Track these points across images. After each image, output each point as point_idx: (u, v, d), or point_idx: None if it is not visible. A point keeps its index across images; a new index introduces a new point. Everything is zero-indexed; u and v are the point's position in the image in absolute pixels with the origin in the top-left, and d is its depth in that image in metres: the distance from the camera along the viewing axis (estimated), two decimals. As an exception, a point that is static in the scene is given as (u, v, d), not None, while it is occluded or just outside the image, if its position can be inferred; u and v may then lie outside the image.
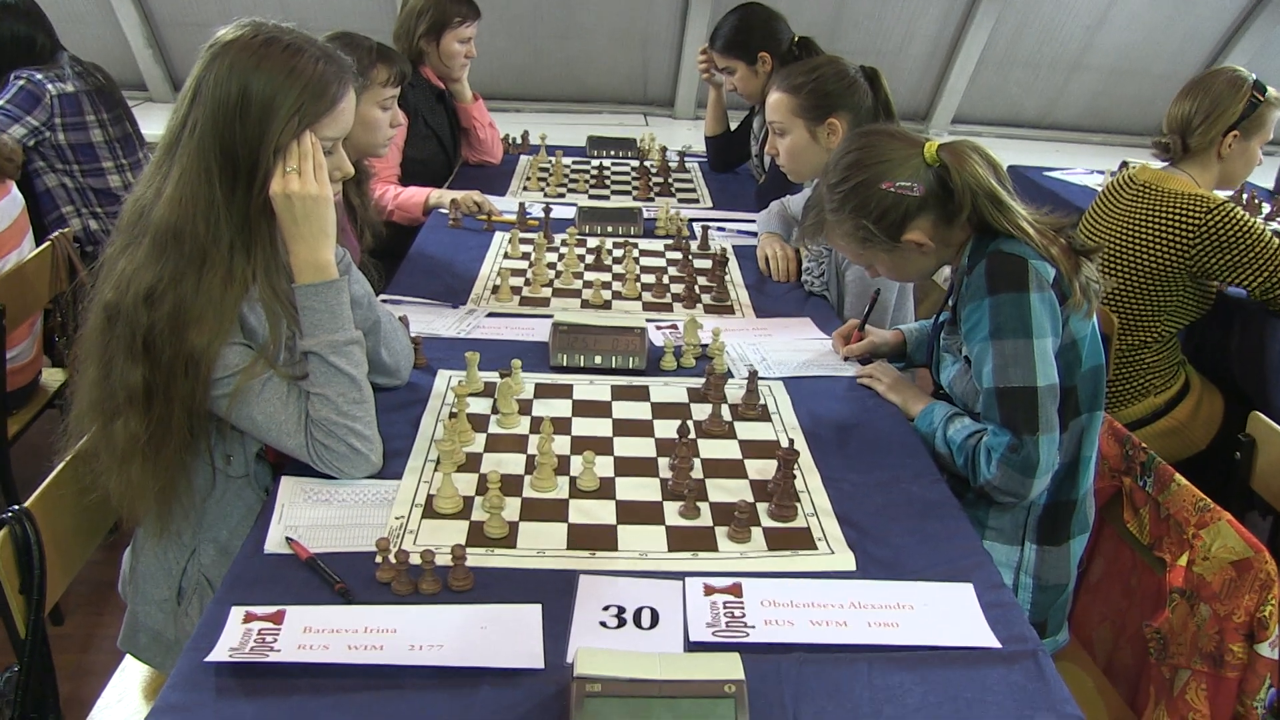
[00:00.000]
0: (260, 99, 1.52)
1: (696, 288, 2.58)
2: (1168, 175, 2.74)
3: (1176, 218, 2.64)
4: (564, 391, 2.01)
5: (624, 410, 1.95)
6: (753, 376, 1.97)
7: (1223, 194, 2.85)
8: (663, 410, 1.96)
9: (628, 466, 1.74)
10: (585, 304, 2.49)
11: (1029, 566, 1.79)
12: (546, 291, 2.56)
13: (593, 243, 2.89)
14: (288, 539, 1.48)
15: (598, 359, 2.10)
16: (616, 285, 2.61)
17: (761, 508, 1.63)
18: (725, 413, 1.94)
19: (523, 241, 2.87)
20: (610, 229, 3.01)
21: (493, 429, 1.85)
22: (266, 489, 1.72)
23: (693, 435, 1.84)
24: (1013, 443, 1.68)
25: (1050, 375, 1.68)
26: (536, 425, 1.85)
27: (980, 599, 1.42)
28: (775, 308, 2.54)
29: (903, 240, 1.80)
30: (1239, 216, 2.59)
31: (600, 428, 1.88)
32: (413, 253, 2.81)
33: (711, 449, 1.82)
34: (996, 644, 1.34)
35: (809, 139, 2.51)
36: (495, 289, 2.53)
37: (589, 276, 2.65)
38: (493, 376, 2.01)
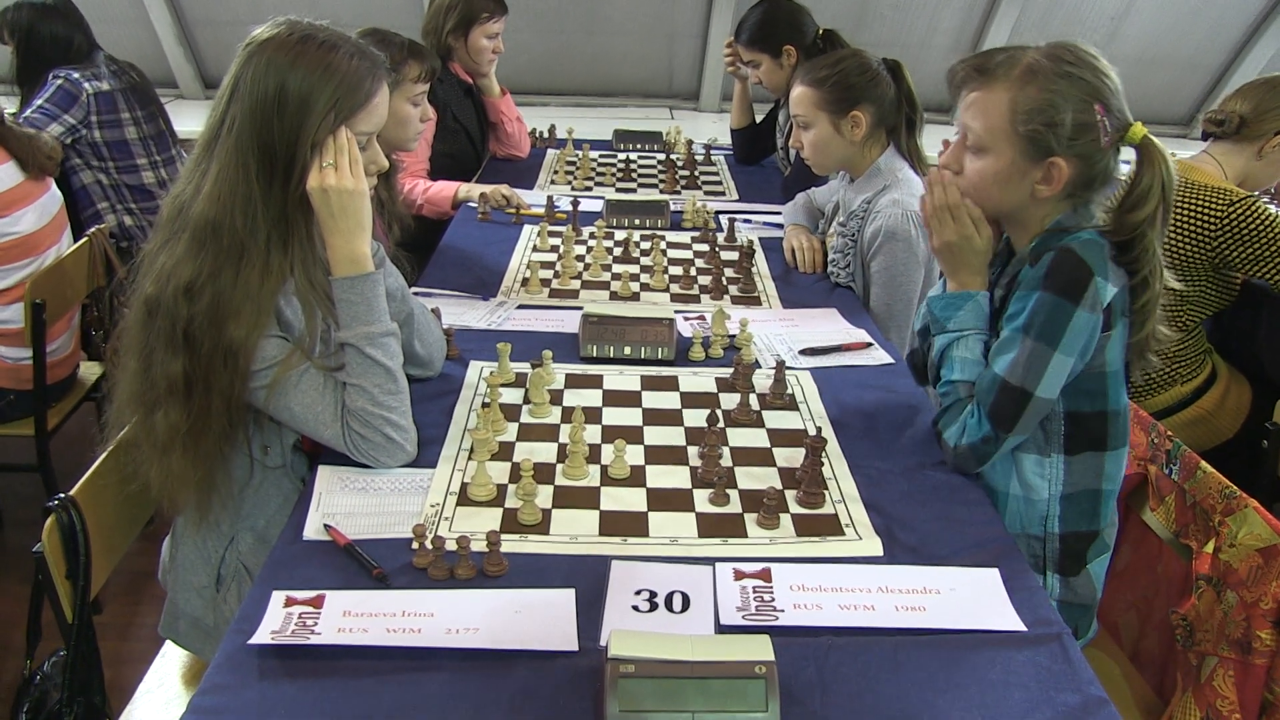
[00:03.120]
0: (297, 95, 1.54)
1: (724, 279, 2.59)
2: (1193, 166, 2.73)
3: (1200, 209, 2.63)
4: (594, 382, 2.02)
5: (654, 400, 1.96)
6: (780, 366, 1.97)
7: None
8: (692, 399, 1.97)
9: (658, 455, 1.75)
10: (614, 295, 2.50)
11: (1052, 592, 1.76)
12: (575, 284, 2.57)
13: (620, 235, 2.90)
14: (326, 525, 1.50)
15: (627, 349, 2.11)
16: (645, 277, 2.62)
17: (790, 495, 1.64)
18: (753, 402, 1.95)
19: (551, 234, 2.88)
20: (638, 221, 3.02)
21: (525, 418, 1.87)
22: (303, 479, 1.74)
23: (721, 424, 1.85)
24: (988, 435, 1.66)
25: (1051, 390, 1.63)
26: (568, 414, 1.86)
27: (1006, 583, 1.42)
28: (802, 298, 2.54)
29: (1053, 160, 1.63)
30: (1261, 210, 2.58)
31: (630, 417, 1.89)
32: (443, 246, 2.82)
33: (740, 437, 1.83)
34: (1022, 627, 1.34)
35: (833, 132, 2.52)
36: (525, 281, 2.55)
37: (617, 269, 2.66)
38: (524, 367, 2.03)
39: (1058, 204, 1.67)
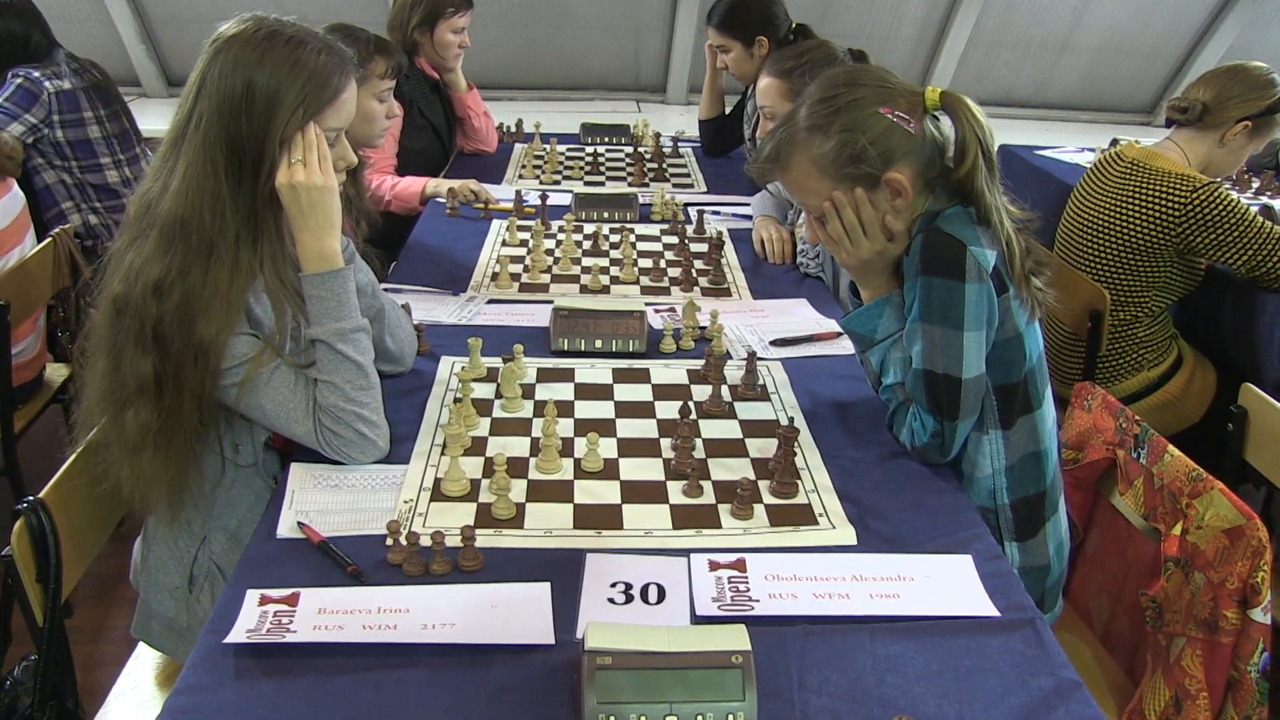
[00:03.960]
0: (265, 92, 1.53)
1: (694, 271, 2.59)
2: (1155, 153, 2.76)
3: (1163, 196, 2.66)
4: (566, 375, 2.03)
5: (625, 392, 1.97)
6: (751, 357, 1.98)
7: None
8: (664, 392, 1.97)
9: (631, 447, 1.76)
10: (584, 289, 2.50)
11: (1012, 562, 1.77)
12: (545, 277, 2.57)
13: (589, 229, 2.90)
14: (299, 523, 1.49)
15: (598, 343, 2.11)
16: (614, 270, 2.62)
17: (763, 485, 1.65)
18: (725, 393, 1.96)
19: (520, 229, 2.88)
20: (606, 215, 3.02)
21: (497, 413, 1.87)
22: (275, 477, 1.74)
23: (694, 416, 1.86)
24: (935, 429, 1.67)
25: (977, 367, 1.64)
26: (540, 408, 1.86)
27: (979, 570, 1.44)
28: (772, 289, 2.55)
29: (888, 178, 1.65)
30: (1224, 197, 2.61)
31: (603, 410, 1.89)
32: (411, 242, 2.81)
33: (713, 429, 1.84)
34: (995, 613, 1.35)
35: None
36: (495, 276, 2.54)
37: (587, 262, 2.66)
38: (495, 362, 2.03)
39: (920, 199, 1.70)
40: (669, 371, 2.07)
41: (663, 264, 2.64)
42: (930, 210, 1.69)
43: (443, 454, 1.69)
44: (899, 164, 1.64)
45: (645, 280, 2.57)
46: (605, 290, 2.50)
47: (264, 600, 1.33)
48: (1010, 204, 1.70)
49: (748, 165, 2.40)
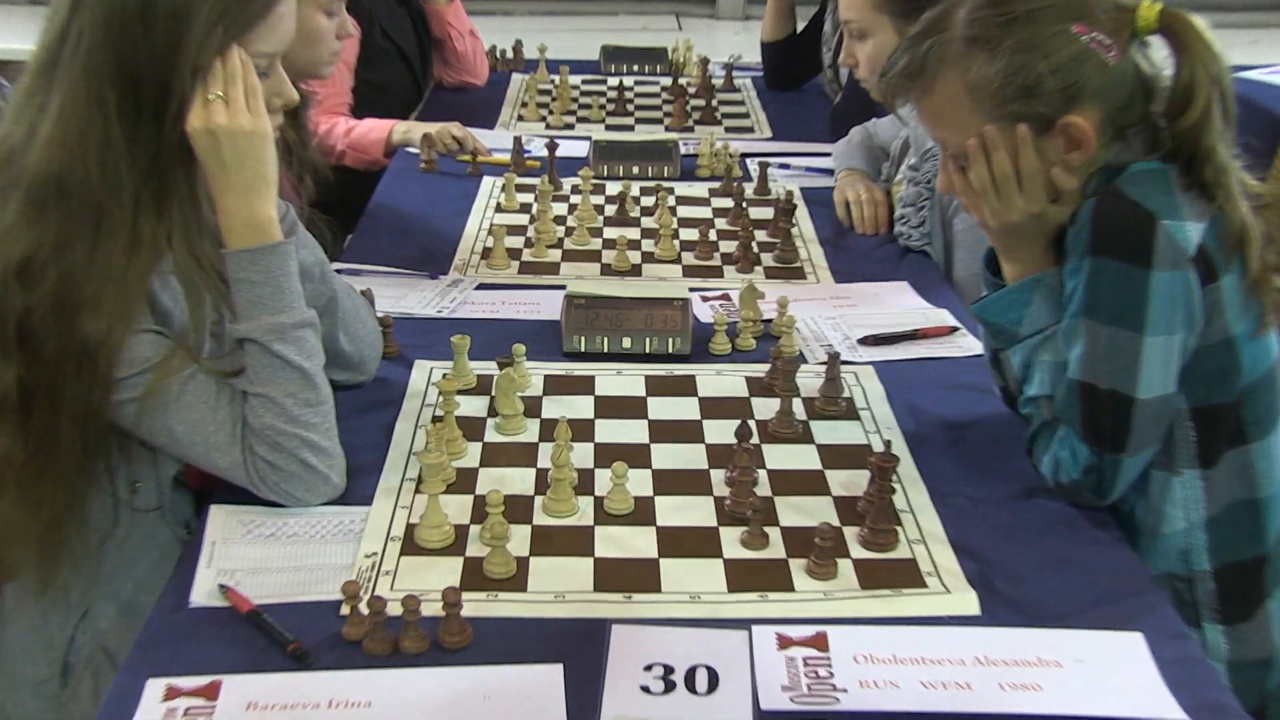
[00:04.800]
0: (169, 1, 1.52)
1: (754, 245, 2.59)
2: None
3: None
4: (583, 385, 2.03)
5: (664, 408, 1.97)
6: (833, 361, 1.97)
7: None
8: (715, 407, 1.97)
9: (671, 482, 1.76)
10: (607, 270, 2.51)
11: (1217, 653, 1.73)
12: (555, 254, 2.57)
13: (614, 188, 2.90)
14: (221, 587, 1.49)
15: (626, 342, 2.11)
16: (648, 244, 2.62)
17: (850, 533, 1.64)
18: (798, 409, 1.95)
19: (520, 189, 2.88)
20: (637, 170, 3.02)
21: (491, 436, 1.87)
22: (188, 525, 1.74)
23: (756, 439, 1.85)
24: (1091, 463, 1.65)
25: (1162, 385, 1.62)
26: (549, 430, 1.85)
27: (1154, 653, 1.42)
28: (861, 269, 2.55)
29: (1066, 122, 1.63)
30: None
31: (633, 432, 1.90)
32: (373, 207, 2.83)
33: (781, 457, 1.83)
34: (1181, 715, 1.33)
35: (898, 42, 2.50)
36: (486, 252, 2.54)
37: (610, 233, 2.66)
38: (488, 367, 2.03)
39: (1103, 150, 1.67)
40: (722, 380, 2.06)
41: (712, 235, 2.63)
42: (1112, 163, 1.67)
43: (418, 491, 1.69)
44: (1085, 104, 1.62)
45: (689, 257, 2.56)
46: (635, 271, 2.50)
47: (171, 693, 1.31)
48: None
49: (870, 81, 2.39)
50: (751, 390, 2.03)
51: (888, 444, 1.74)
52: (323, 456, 1.64)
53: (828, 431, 1.91)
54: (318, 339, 1.67)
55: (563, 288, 2.23)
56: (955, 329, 2.23)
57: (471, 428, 1.88)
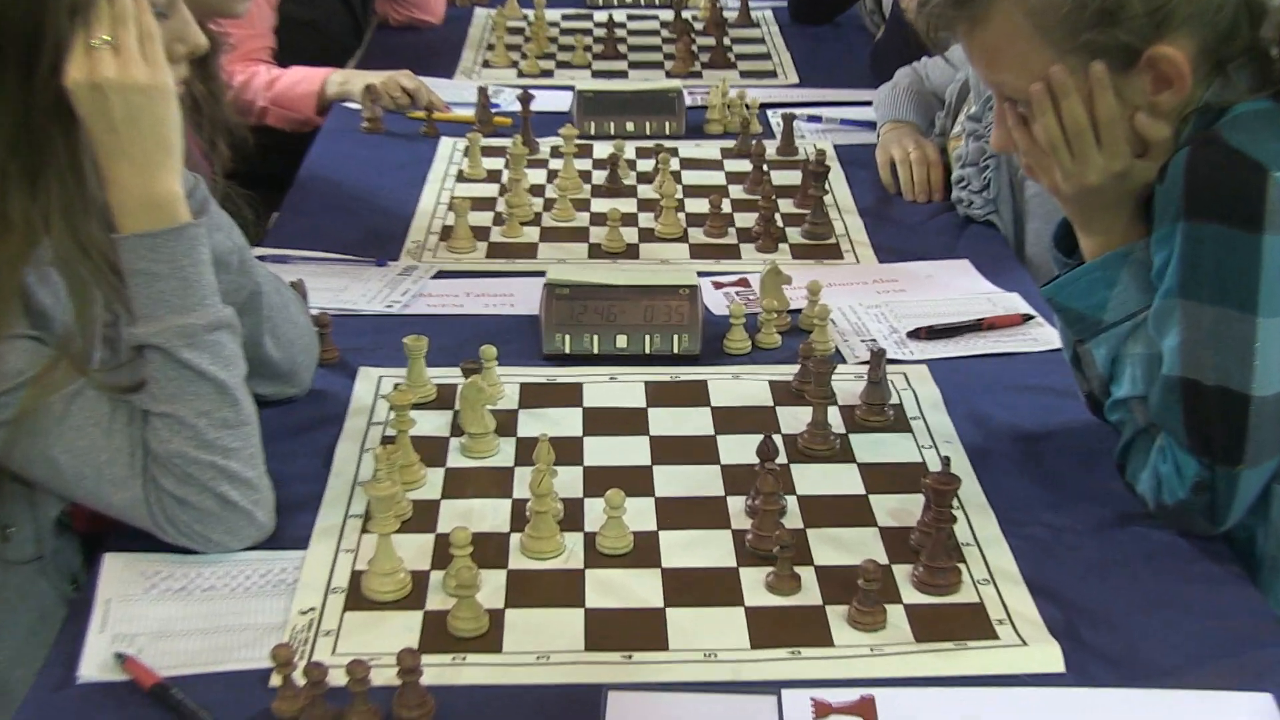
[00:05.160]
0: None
1: (778, 218, 2.60)
2: None
3: None
4: (569, 395, 2.04)
5: (669, 422, 1.98)
6: (877, 360, 1.97)
7: None
8: (732, 420, 1.98)
9: (678, 513, 1.76)
10: (597, 251, 2.51)
11: None
12: (531, 233, 2.58)
13: (603, 150, 2.91)
14: (119, 656, 1.47)
15: (622, 340, 2.12)
16: (646, 219, 2.62)
17: (901, 573, 1.64)
18: (835, 420, 1.95)
19: (487, 153, 2.88)
20: (632, 127, 3.03)
21: (455, 460, 1.87)
22: (74, 579, 1.74)
23: (783, 459, 1.85)
24: (1200, 478, 1.64)
25: None
26: (527, 452, 1.85)
27: (1285, 716, 1.43)
28: (911, 245, 2.56)
29: (1154, 54, 1.61)
30: None
31: (631, 452, 1.90)
32: (304, 178, 2.84)
33: (815, 480, 1.84)
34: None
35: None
36: (447, 232, 2.55)
37: (600, 206, 2.67)
38: (451, 375, 2.03)
39: (1199, 88, 1.66)
40: (740, 386, 2.07)
41: (726, 207, 2.64)
42: (1212, 104, 1.65)
43: (366, 531, 1.70)
44: (1177, 32, 1.60)
45: (697, 234, 2.57)
46: (632, 253, 2.51)
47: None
48: None
49: (911, 10, 2.38)
50: (777, 398, 2.04)
51: (946, 461, 1.73)
52: (245, 490, 1.63)
53: (872, 447, 1.92)
54: (237, 344, 1.66)
55: (542, 274, 2.22)
56: (1028, 317, 2.24)
57: (431, 450, 1.88)
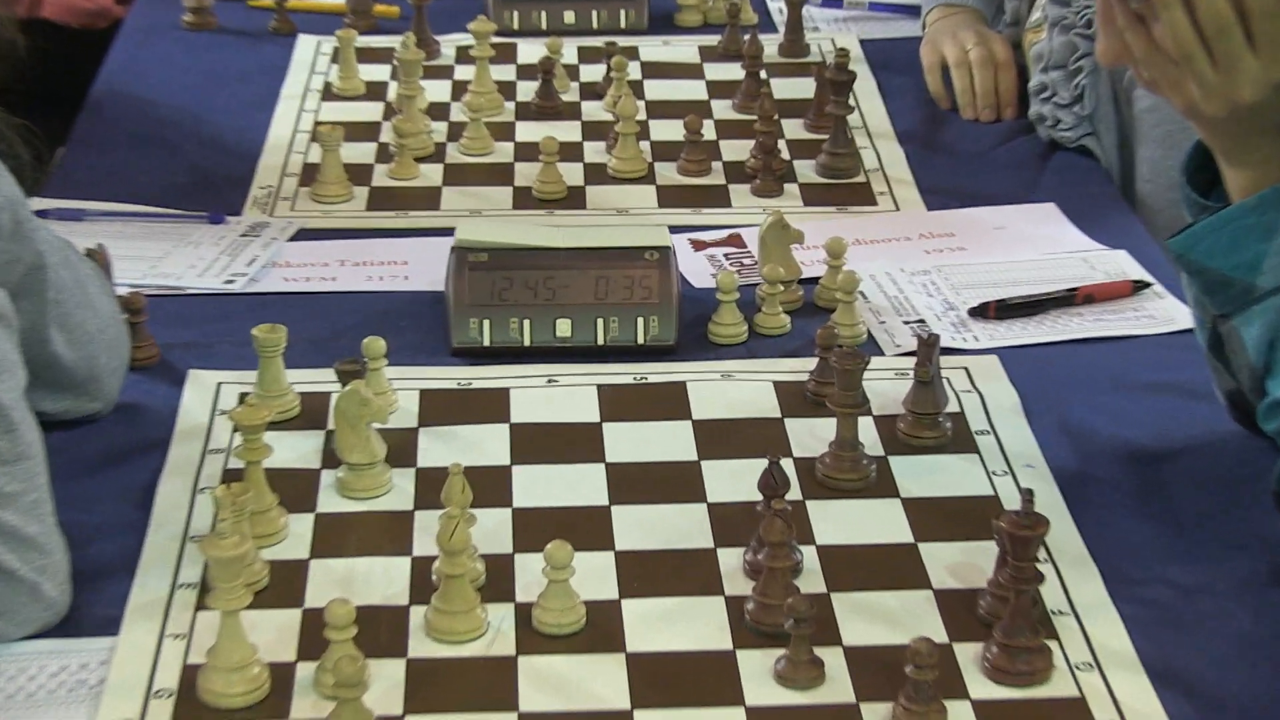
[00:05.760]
0: None
1: (782, 146, 2.62)
2: None
3: None
4: (489, 407, 2.04)
5: (632, 441, 1.98)
6: (928, 348, 1.97)
7: None
8: (723, 437, 1.98)
9: (649, 574, 1.77)
10: (526, 197, 2.53)
11: None
12: (432, 172, 2.60)
13: (531, 52, 2.93)
14: None
15: (563, 327, 2.12)
16: (595, 150, 2.65)
17: (967, 654, 1.64)
18: (868, 435, 1.96)
19: (366, 57, 2.90)
20: (572, 18, 3.05)
21: (330, 503, 1.87)
22: None
23: (796, 493, 1.85)
24: None
25: None
26: (432, 489, 1.84)
27: None
28: (971, 183, 2.59)
29: None
30: None
31: (579, 486, 1.90)
32: (100, 96, 2.86)
33: (840, 522, 1.84)
34: None
35: None
36: (310, 173, 2.57)
37: (528, 133, 2.69)
38: (321, 380, 2.04)
39: None
40: (733, 390, 2.08)
41: (709, 131, 2.66)
42: None
43: (203, 607, 1.69)
44: None
45: (669, 171, 2.60)
46: (575, 199, 2.52)
47: None
48: None
49: None
50: (786, 407, 2.05)
51: (1028, 495, 1.72)
52: (26, 553, 1.62)
53: (922, 475, 1.92)
54: (12, 342, 1.67)
55: (449, 233, 2.23)
56: (1142, 285, 2.26)
57: (296, 489, 1.88)
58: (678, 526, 1.84)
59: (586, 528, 1.81)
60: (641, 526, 1.83)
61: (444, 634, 1.66)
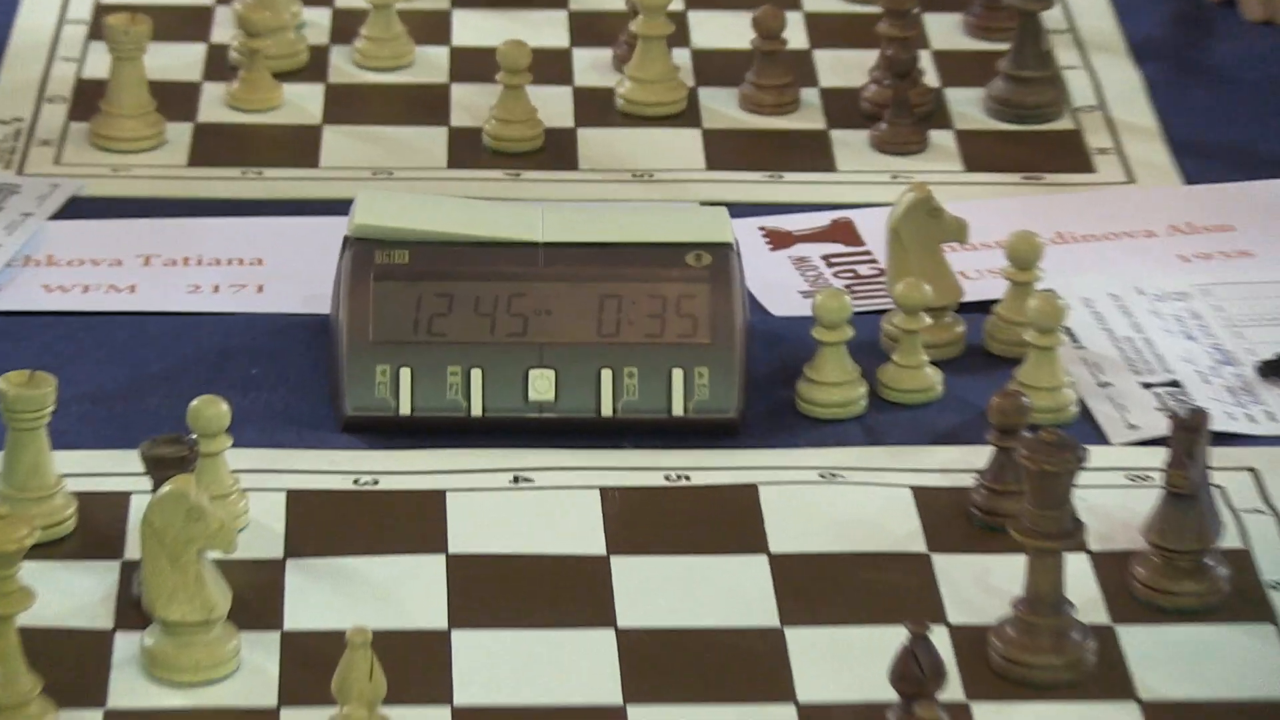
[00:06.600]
0: None
1: (922, 63, 2.57)
2: None
3: None
4: (411, 523, 2.00)
5: (660, 589, 1.93)
6: (1189, 431, 1.89)
7: None
8: (824, 584, 1.93)
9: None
10: (474, 148, 2.52)
11: None
12: (308, 99, 2.58)
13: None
14: None
15: (541, 381, 2.07)
16: (591, 60, 2.64)
17: None
18: (1085, 583, 1.90)
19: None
20: None
21: (127, 696, 1.80)
22: None
23: (957, 688, 1.79)
24: None
25: None
26: (306, 669, 1.80)
27: None
28: (1260, 138, 2.59)
29: None
30: None
31: (572, 669, 1.84)
32: None
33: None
34: None
35: None
36: (88, 98, 2.54)
37: (473, 27, 2.72)
38: (114, 470, 1.98)
39: None
40: (842, 500, 2.03)
41: (796, 37, 2.65)
42: None
43: None
44: None
45: (720, 106, 2.55)
46: (561, 154, 2.52)
47: None
48: None
49: None
50: (933, 534, 2.01)
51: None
52: None
53: (1175, 659, 1.86)
54: None
55: (342, 209, 2.19)
56: None
57: (71, 664, 1.82)
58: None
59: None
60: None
61: None
